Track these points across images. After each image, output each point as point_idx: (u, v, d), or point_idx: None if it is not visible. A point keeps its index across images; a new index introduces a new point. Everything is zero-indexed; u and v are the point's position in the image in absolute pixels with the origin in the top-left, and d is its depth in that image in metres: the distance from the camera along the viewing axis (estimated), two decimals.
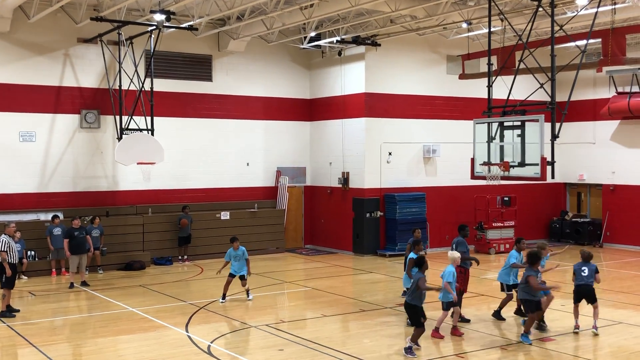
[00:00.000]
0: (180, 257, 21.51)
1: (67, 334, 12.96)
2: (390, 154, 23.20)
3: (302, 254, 23.61)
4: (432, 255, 22.85)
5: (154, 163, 19.70)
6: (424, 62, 23.98)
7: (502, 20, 16.99)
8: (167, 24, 18.61)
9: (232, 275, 15.63)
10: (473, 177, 15.87)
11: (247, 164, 23.77)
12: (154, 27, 19.09)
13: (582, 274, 12.65)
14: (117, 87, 20.42)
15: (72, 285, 17.19)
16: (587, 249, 13.10)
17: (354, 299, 16.14)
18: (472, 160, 15.70)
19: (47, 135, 20.33)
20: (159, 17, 17.95)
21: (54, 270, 19.04)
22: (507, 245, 23.28)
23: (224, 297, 15.55)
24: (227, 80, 23.30)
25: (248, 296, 15.80)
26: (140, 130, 19.93)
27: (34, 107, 20.09)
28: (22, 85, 19.92)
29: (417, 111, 23.74)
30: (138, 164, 19.57)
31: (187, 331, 12.96)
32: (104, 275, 19.30)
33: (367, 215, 22.77)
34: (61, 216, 20.05)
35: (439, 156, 23.89)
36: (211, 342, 12.10)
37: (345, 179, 23.46)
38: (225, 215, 22.55)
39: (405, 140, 23.48)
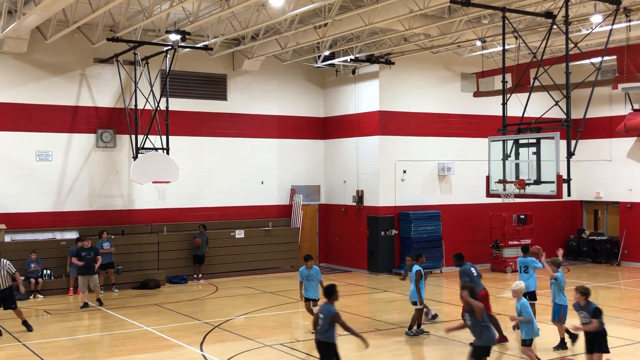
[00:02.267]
0: (195, 276, 21.52)
1: (81, 353, 12.95)
2: (404, 172, 23.16)
3: None
4: (448, 274, 22.78)
5: (169, 182, 19.78)
6: (438, 80, 23.99)
7: (516, 38, 16.98)
8: (182, 44, 18.80)
9: (308, 300, 14.46)
10: (488, 194, 15.79)
11: (262, 183, 23.82)
12: (170, 47, 19.25)
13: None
14: (133, 107, 20.58)
15: (85, 305, 17.19)
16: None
17: (369, 318, 16.03)
18: (488, 178, 15.63)
19: (63, 155, 20.50)
20: (174, 37, 18.13)
21: (71, 288, 19.10)
22: None
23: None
24: (241, 99, 23.43)
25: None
26: (156, 149, 20.05)
27: (50, 127, 20.28)
28: (39, 105, 20.12)
29: (431, 129, 23.71)
30: (153, 182, 19.65)
31: (201, 350, 12.92)
32: (119, 294, 19.34)
33: (382, 233, 22.69)
34: (76, 235, 20.17)
35: (453, 174, 23.80)
36: None
37: (359, 197, 23.42)
38: (239, 234, 22.58)
39: (420, 158, 23.44)
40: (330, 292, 10.05)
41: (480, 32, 19.45)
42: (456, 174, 23.80)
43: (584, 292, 10.48)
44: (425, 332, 14.15)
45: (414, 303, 14.02)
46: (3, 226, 19.02)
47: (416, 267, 14.06)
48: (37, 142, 20.12)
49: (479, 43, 20.33)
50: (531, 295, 13.76)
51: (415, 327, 14.09)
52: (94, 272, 17.40)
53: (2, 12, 17.70)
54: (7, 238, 19.21)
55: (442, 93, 24.03)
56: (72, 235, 20.19)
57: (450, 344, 13.31)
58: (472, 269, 13.64)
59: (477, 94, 23.57)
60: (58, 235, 20.03)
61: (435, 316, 15.52)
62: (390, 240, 22.81)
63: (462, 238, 23.65)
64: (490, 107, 22.88)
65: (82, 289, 17.43)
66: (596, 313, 10.34)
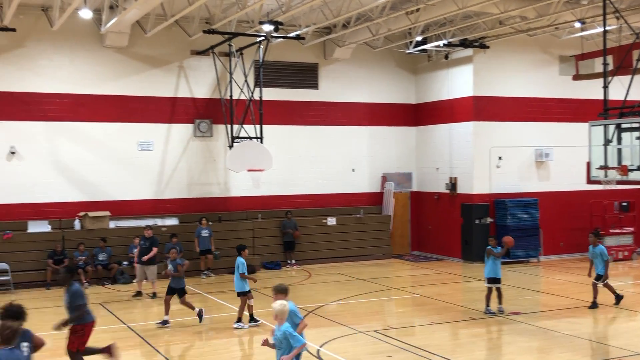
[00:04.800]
0: (288, 262, 21.89)
1: (182, 336, 13.44)
2: (500, 158, 22.64)
3: (409, 261, 23.43)
4: (545, 263, 22.18)
5: (263, 170, 20.15)
6: (535, 63, 23.26)
7: (617, 18, 16.23)
8: (275, 34, 19.06)
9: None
10: (589, 181, 15.21)
11: (353, 170, 23.88)
12: (263, 37, 19.58)
13: None
14: (228, 97, 21.07)
15: (137, 294, 17.30)
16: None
17: (464, 307, 15.84)
18: (588, 164, 15.05)
19: (163, 145, 21.25)
20: (267, 27, 18.40)
21: None
22: (626, 253, 22.21)
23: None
24: (332, 88, 23.54)
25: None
26: (250, 138, 20.47)
27: (151, 118, 21.06)
28: (140, 97, 20.91)
29: (528, 114, 23.05)
30: (248, 170, 20.08)
31: None
32: (216, 278, 19.92)
33: (476, 221, 22.30)
34: (176, 222, 20.94)
35: (552, 160, 23.07)
36: (320, 347, 12.21)
37: (453, 184, 23.10)
38: (331, 221, 22.76)
39: (516, 144, 22.85)
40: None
41: (579, 14, 18.70)
42: (554, 160, 23.05)
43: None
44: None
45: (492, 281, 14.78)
46: (108, 213, 19.96)
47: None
48: (139, 132, 20.93)
49: (578, 24, 19.54)
50: None
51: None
52: (147, 262, 17.14)
53: (104, 8, 18.50)
54: (112, 224, 20.14)
55: (539, 77, 23.30)
56: (173, 221, 20.99)
57: (548, 334, 12.98)
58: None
59: (577, 77, 22.65)
60: (159, 222, 20.82)
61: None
62: (485, 229, 22.38)
63: (560, 226, 22.94)
64: (591, 90, 21.95)
65: (138, 278, 17.50)
66: None
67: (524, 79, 23.12)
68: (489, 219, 22.44)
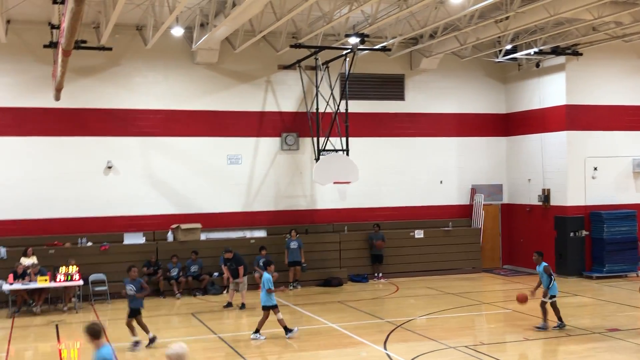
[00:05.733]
0: (375, 275, 21.75)
1: (270, 347, 13.52)
2: (595, 169, 21.79)
3: (500, 275, 22.82)
4: None
5: (349, 182, 20.15)
6: (632, 70, 22.31)
7: None
8: (361, 46, 19.08)
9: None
10: None
11: (441, 182, 23.55)
12: (349, 50, 19.63)
13: None
14: (314, 110, 21.22)
15: (228, 305, 17.54)
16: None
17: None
18: None
19: (251, 158, 21.60)
20: (353, 40, 18.46)
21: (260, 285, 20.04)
22: None
23: None
24: (419, 99, 23.32)
25: None
26: (336, 150, 20.53)
27: (239, 132, 21.46)
28: (229, 111, 21.37)
29: (624, 122, 22.11)
30: (334, 183, 20.13)
31: (385, 349, 13.00)
32: (304, 290, 20.01)
33: (571, 234, 21.49)
34: (264, 234, 21.22)
35: None
36: None
37: (545, 196, 22.37)
38: (419, 234, 22.49)
39: (612, 153, 21.95)
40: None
41: None
42: None
43: None
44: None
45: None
46: (199, 225, 20.43)
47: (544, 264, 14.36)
48: (228, 146, 21.37)
49: None
50: None
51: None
52: (238, 276, 17.45)
53: (195, 26, 19.05)
54: (203, 236, 20.60)
55: (636, 84, 22.32)
56: (261, 233, 21.27)
57: None
58: None
59: None
60: (248, 234, 21.15)
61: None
62: (580, 242, 21.55)
63: None
64: None
65: (230, 289, 17.83)
66: None
67: (619, 86, 22.21)
68: (584, 232, 21.59)
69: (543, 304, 14.57)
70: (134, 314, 13.35)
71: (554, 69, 22.12)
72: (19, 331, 15.29)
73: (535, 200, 22.86)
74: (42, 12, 17.91)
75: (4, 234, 19.07)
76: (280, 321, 13.91)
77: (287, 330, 13.92)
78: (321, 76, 21.17)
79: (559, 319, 14.50)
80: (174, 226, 20.33)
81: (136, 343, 13.25)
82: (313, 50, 20.29)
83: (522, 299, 14.50)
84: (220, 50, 20.66)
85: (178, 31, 18.41)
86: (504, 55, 22.32)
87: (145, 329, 13.41)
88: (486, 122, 24.08)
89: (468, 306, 17.48)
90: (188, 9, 17.24)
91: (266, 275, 13.89)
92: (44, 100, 19.21)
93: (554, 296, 14.55)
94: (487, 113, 24.12)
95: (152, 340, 13.40)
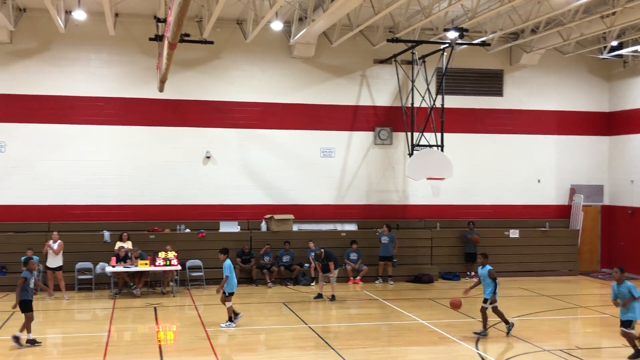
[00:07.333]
0: (468, 273, 21.43)
1: (362, 340, 13.56)
2: None
3: (598, 278, 21.99)
4: None
5: (443, 178, 19.91)
6: None
7: None
8: (459, 41, 18.78)
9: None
10: None
11: (538, 181, 22.91)
12: (447, 45, 19.38)
13: None
14: (409, 105, 21.09)
15: (318, 296, 17.63)
16: None
17: None
18: None
19: (344, 151, 21.72)
20: (452, 34, 18.20)
21: (351, 278, 20.17)
22: None
23: None
24: (518, 95, 22.76)
25: None
26: (431, 146, 20.33)
27: (333, 125, 21.61)
28: (323, 105, 21.54)
29: None
30: (428, 179, 19.94)
31: (477, 348, 12.82)
32: (395, 286, 19.96)
33: None
34: (355, 227, 21.29)
35: None
36: None
37: None
38: (514, 233, 21.98)
39: None
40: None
41: None
42: None
43: None
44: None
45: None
46: (291, 216, 20.74)
47: None
48: (322, 139, 21.56)
49: None
50: None
51: None
52: (329, 271, 17.50)
53: (294, 20, 19.30)
54: (295, 227, 20.90)
55: None
56: (352, 227, 21.38)
57: None
58: None
59: None
60: (338, 227, 21.30)
61: None
62: None
63: None
64: None
65: (320, 281, 17.88)
66: None
67: None
68: None
69: (484, 310, 13.89)
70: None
71: None
72: (119, 312, 16.02)
73: (638, 203, 21.90)
74: (148, 5, 18.65)
75: (107, 219, 20.01)
76: (228, 310, 14.36)
77: (235, 316, 14.43)
78: (417, 70, 21.00)
79: (506, 322, 13.89)
80: (267, 216, 20.73)
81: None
82: (410, 44, 20.15)
83: (457, 305, 14.07)
84: (317, 44, 20.84)
85: (277, 25, 18.71)
86: (609, 52, 21.46)
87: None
88: (588, 120, 23.22)
89: (563, 309, 16.96)
90: (287, 4, 17.48)
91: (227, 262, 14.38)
92: (149, 91, 19.99)
93: (495, 301, 13.79)
94: (589, 111, 23.25)
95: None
